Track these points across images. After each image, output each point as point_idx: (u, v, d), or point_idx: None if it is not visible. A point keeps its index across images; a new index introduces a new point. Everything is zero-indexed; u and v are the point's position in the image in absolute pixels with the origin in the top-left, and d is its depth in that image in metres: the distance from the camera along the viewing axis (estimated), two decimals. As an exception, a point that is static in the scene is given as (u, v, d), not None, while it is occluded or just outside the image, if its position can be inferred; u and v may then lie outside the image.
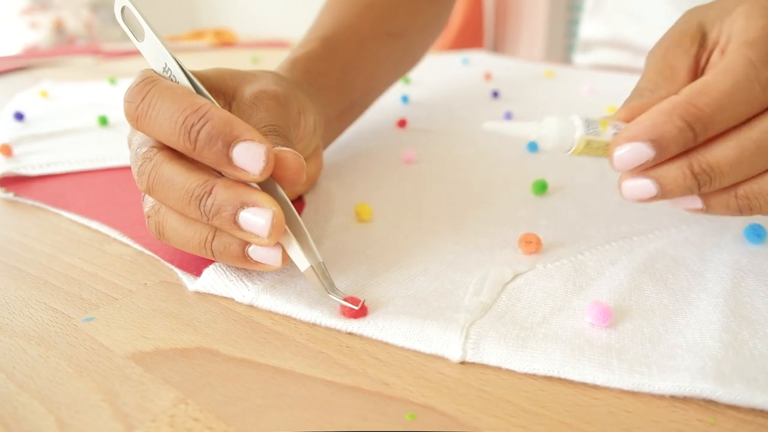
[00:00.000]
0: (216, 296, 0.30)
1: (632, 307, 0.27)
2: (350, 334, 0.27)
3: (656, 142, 0.25)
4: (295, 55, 0.44)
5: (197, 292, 0.30)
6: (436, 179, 0.44)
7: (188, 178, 0.27)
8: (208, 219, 0.27)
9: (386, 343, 0.26)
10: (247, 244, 0.27)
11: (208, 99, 0.28)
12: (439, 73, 0.84)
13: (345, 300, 0.27)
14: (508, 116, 0.60)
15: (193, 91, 0.28)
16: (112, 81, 0.79)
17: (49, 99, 0.70)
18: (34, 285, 0.31)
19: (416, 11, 0.56)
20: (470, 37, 1.87)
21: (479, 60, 0.94)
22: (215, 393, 0.23)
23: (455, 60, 0.94)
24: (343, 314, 0.27)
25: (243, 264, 0.28)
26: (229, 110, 0.32)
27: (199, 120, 0.26)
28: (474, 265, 0.31)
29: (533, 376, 0.24)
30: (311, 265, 0.27)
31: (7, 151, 0.48)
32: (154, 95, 0.27)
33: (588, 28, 0.99)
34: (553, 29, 1.83)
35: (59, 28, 2.99)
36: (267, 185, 0.28)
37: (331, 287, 0.27)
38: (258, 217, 0.26)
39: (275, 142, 0.28)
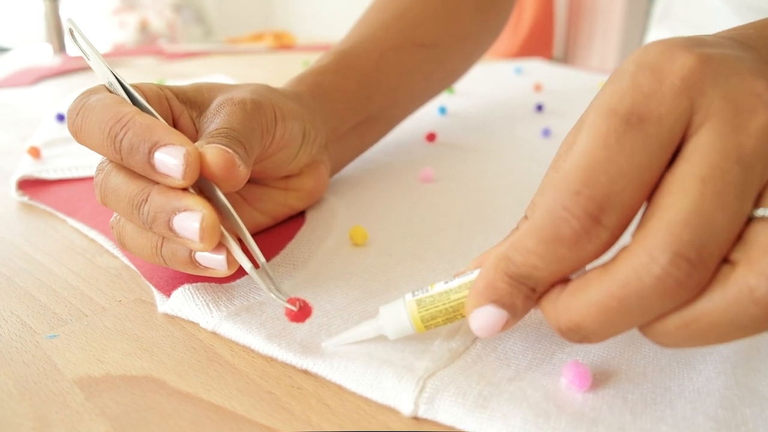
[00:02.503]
0: (184, 320, 0.29)
1: (621, 368, 0.24)
2: (306, 372, 0.25)
3: (500, 303, 0.21)
4: (306, 70, 0.43)
5: (166, 315, 0.29)
6: (448, 201, 0.41)
7: (129, 187, 0.27)
8: (149, 226, 0.26)
9: (340, 387, 0.24)
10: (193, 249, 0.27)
11: (147, 110, 0.28)
12: (486, 83, 0.81)
13: (288, 301, 0.25)
14: (546, 133, 0.56)
15: (126, 101, 0.27)
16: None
17: (97, 100, 0.72)
18: (14, 295, 0.31)
19: (455, 20, 0.53)
20: (539, 45, 1.82)
21: (534, 69, 0.90)
22: (147, 430, 0.22)
23: (509, 69, 0.91)
24: (287, 316, 0.26)
25: (194, 270, 0.27)
26: (199, 121, 0.31)
27: (122, 129, 0.26)
28: (459, 302, 0.29)
29: (489, 442, 0.21)
30: (252, 267, 0.26)
31: (36, 153, 0.49)
32: (86, 109, 0.27)
33: (655, 37, 0.93)
34: (628, 37, 1.75)
35: (144, 27, 3.14)
36: (207, 189, 0.27)
37: (276, 288, 0.26)
38: (189, 221, 0.25)
39: (217, 142, 0.27)
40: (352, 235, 0.35)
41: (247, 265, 0.26)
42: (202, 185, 0.28)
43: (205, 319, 0.27)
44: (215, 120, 0.30)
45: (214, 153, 0.26)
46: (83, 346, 0.27)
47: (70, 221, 0.39)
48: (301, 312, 0.26)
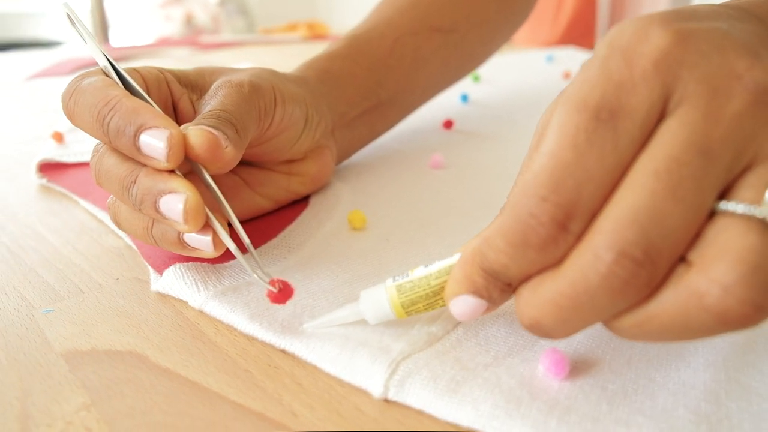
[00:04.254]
0: (175, 299, 0.29)
1: (606, 357, 0.23)
2: (284, 352, 0.25)
3: (477, 294, 0.21)
4: (317, 55, 0.42)
5: (159, 293, 0.29)
6: (454, 187, 0.41)
7: (119, 169, 0.27)
8: (138, 208, 0.27)
9: (316, 367, 0.24)
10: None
11: (139, 94, 0.28)
12: (514, 71, 0.79)
13: (269, 283, 0.26)
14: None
15: (116, 84, 0.28)
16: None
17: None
18: (19, 271, 0.32)
19: (473, 5, 0.52)
20: (580, 34, 1.76)
21: (566, 57, 0.88)
22: (122, 403, 0.22)
23: (539, 57, 0.89)
24: (268, 297, 0.26)
25: (182, 251, 0.28)
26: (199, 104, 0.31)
27: (109, 111, 0.26)
28: (448, 287, 0.28)
29: (457, 427, 0.21)
30: (236, 248, 0.27)
31: (59, 138, 0.51)
32: (78, 92, 0.27)
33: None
34: (674, 25, 1.68)
35: (189, 20, 3.20)
36: (199, 172, 0.28)
37: (260, 270, 0.26)
38: (174, 203, 0.25)
39: (208, 124, 0.27)
40: (350, 219, 0.35)
41: (232, 246, 0.27)
42: (195, 168, 0.28)
43: (193, 298, 0.28)
44: (210, 102, 0.30)
45: (197, 134, 0.26)
46: (75, 321, 0.27)
47: (83, 203, 0.40)
48: (282, 293, 0.26)
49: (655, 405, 0.20)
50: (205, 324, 0.27)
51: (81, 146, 0.49)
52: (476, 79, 0.73)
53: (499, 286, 0.21)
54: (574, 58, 0.88)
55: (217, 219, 0.27)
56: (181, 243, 0.27)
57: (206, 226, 0.27)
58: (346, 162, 0.46)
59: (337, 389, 0.23)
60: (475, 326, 0.25)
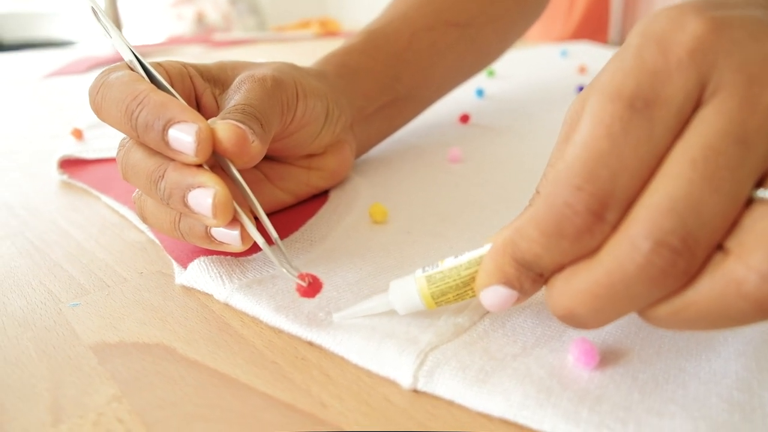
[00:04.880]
0: (200, 292, 0.29)
1: (635, 347, 0.23)
2: (311, 344, 0.25)
3: (509, 285, 0.21)
4: (335, 50, 0.42)
5: (183, 286, 0.30)
6: (472, 181, 0.41)
7: (147, 163, 0.27)
8: (166, 202, 0.27)
9: (343, 359, 0.24)
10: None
11: (165, 88, 0.28)
12: (529, 66, 0.79)
13: (298, 276, 0.26)
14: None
15: (143, 78, 0.28)
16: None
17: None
18: (44, 266, 0.32)
19: (487, 0, 0.52)
20: (594, 29, 1.75)
21: (580, 52, 0.88)
22: (152, 394, 0.22)
23: (554, 51, 0.88)
24: (297, 291, 0.26)
25: (210, 245, 0.28)
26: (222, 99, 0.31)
27: (137, 106, 0.26)
28: (472, 279, 0.28)
29: (488, 417, 0.21)
30: (264, 242, 0.27)
31: (78, 134, 0.51)
32: (105, 86, 0.27)
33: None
34: (688, 18, 1.66)
35: (200, 19, 3.21)
36: (225, 166, 0.28)
37: (288, 264, 0.26)
38: (203, 198, 0.25)
39: (234, 118, 0.27)
40: (371, 213, 0.35)
41: (260, 240, 0.27)
42: (221, 162, 0.28)
43: (218, 291, 0.28)
44: (234, 97, 0.30)
45: (225, 129, 0.26)
46: (102, 314, 0.28)
47: (104, 198, 0.41)
48: (311, 287, 0.26)
49: (687, 394, 0.20)
50: (231, 316, 0.27)
51: (100, 142, 0.50)
52: (491, 74, 0.73)
53: (530, 277, 0.20)
54: (588, 52, 0.88)
55: (245, 213, 0.27)
56: (209, 237, 0.27)
57: (234, 220, 0.27)
58: (364, 156, 0.46)
59: (365, 380, 0.23)
60: (502, 317, 0.25)
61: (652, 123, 0.18)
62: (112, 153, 0.48)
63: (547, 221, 0.19)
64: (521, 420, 0.20)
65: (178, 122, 0.25)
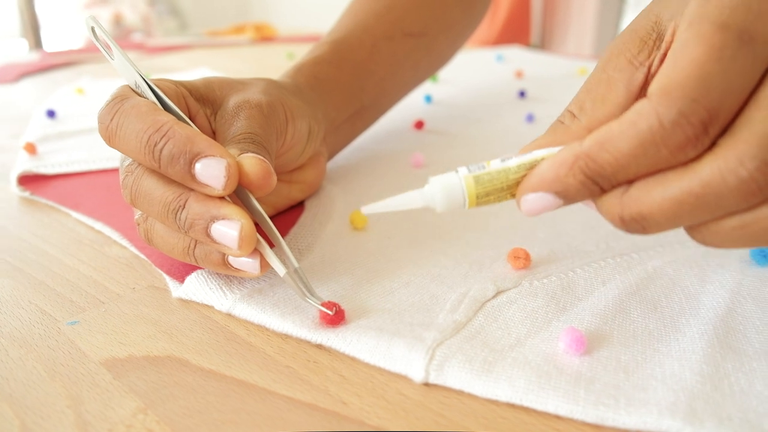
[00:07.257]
0: (198, 304, 0.30)
1: (613, 332, 0.26)
2: (320, 347, 0.26)
3: (562, 194, 0.23)
4: (303, 60, 0.44)
5: (180, 299, 0.30)
6: (440, 185, 0.43)
7: (164, 192, 0.27)
8: (185, 231, 0.27)
9: (354, 359, 0.26)
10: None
11: (177, 114, 0.29)
12: (469, 71, 0.82)
13: (322, 305, 0.27)
14: (530, 118, 0.58)
15: (159, 107, 0.28)
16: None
17: (84, 96, 0.72)
18: (30, 285, 0.32)
19: (441, 9, 0.54)
20: (516, 32, 1.83)
21: (514, 56, 0.92)
22: (176, 404, 0.23)
23: (490, 56, 0.93)
24: (322, 320, 0.27)
25: (226, 270, 0.28)
26: (214, 120, 0.32)
27: (161, 138, 0.26)
28: (459, 279, 0.30)
29: (496, 403, 0.23)
30: (287, 272, 0.27)
31: (32, 149, 0.50)
32: (121, 114, 0.27)
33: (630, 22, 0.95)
34: (603, 23, 1.77)
35: (118, 21, 3.10)
36: (241, 195, 0.28)
37: (309, 292, 0.27)
38: (228, 230, 0.26)
39: (247, 149, 0.28)
40: (352, 220, 0.36)
41: (281, 269, 0.27)
42: (237, 192, 0.29)
43: (220, 302, 0.29)
44: (235, 123, 0.31)
45: (253, 163, 0.27)
46: (104, 331, 0.28)
47: (74, 214, 0.40)
48: (337, 316, 0.27)
49: (664, 371, 0.23)
50: (236, 326, 0.28)
51: (57, 156, 0.49)
52: (435, 79, 0.76)
53: (591, 190, 0.23)
54: (521, 56, 0.93)
55: (263, 240, 0.28)
56: (225, 264, 0.28)
57: (254, 249, 0.28)
58: (330, 163, 0.47)
59: (378, 378, 0.25)
60: (493, 312, 0.28)
61: (755, 56, 0.20)
62: (72, 167, 0.47)
63: (651, 131, 0.21)
64: (527, 403, 0.22)
65: (206, 156, 0.26)
